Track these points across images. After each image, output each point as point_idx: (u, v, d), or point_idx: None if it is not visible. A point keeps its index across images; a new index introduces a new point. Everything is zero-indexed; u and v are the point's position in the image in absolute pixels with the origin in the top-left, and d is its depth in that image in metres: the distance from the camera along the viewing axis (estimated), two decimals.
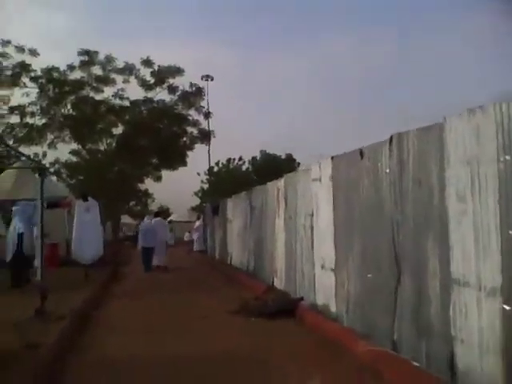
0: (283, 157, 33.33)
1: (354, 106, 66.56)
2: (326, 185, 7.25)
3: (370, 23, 72.93)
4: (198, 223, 24.60)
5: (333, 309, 6.90)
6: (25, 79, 13.09)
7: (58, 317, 6.84)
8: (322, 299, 7.42)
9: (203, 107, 14.66)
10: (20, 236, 10.01)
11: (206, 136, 14.78)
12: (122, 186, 16.68)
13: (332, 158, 7.02)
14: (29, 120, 13.42)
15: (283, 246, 9.66)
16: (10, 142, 14.05)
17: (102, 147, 16.75)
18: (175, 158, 15.83)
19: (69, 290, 9.74)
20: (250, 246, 12.87)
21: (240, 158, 41.61)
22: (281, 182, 10.00)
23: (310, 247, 8.03)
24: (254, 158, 34.44)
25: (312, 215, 7.93)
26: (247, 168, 40.43)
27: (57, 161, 26.68)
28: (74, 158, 19.54)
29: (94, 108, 14.35)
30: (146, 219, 17.70)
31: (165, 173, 20.11)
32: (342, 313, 6.56)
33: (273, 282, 10.28)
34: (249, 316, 7.81)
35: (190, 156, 20.94)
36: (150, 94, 14.49)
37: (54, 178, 30.84)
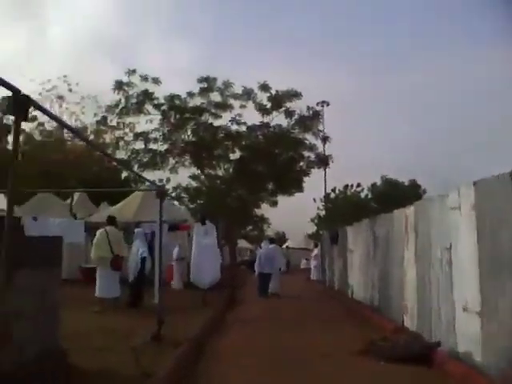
0: (406, 183, 31.36)
1: (481, 129, 61.39)
2: (467, 214, 6.24)
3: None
4: (316, 251, 24.12)
5: (477, 358, 5.80)
6: (148, 107, 13.75)
7: (174, 343, 6.56)
8: (463, 346, 6.30)
9: (320, 131, 14.13)
10: (143, 260, 10.20)
11: (323, 161, 14.17)
12: (240, 211, 16.59)
13: (474, 183, 6.01)
14: (152, 146, 13.97)
15: (414, 281, 8.57)
16: (135, 167, 14.77)
17: (219, 172, 16.91)
18: (291, 183, 15.41)
19: (186, 313, 9.61)
20: (373, 278, 11.82)
21: (358, 185, 40.16)
22: (410, 210, 8.98)
23: (448, 285, 6.96)
24: (373, 185, 32.86)
25: (450, 248, 6.89)
26: (366, 195, 38.83)
27: (178, 186, 28.00)
28: (194, 183, 20.04)
29: (212, 134, 14.57)
30: (263, 245, 17.47)
31: (281, 198, 19.79)
32: (490, 364, 5.44)
33: (402, 321, 9.17)
34: (377, 359, 6.87)
35: (307, 182, 20.39)
36: (266, 119, 14.37)
37: (176, 202, 32.50)
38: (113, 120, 14.08)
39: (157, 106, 13.65)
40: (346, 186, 41.33)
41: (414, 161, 61.84)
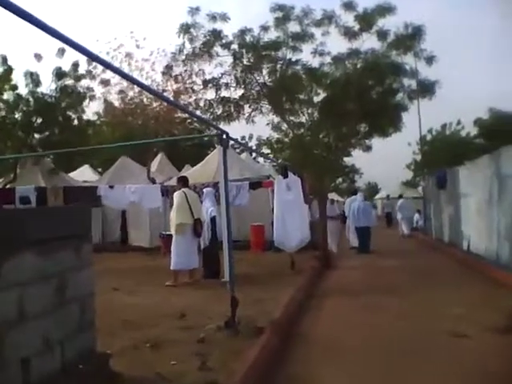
0: None
1: None
2: None
3: None
4: (400, 202, 23.53)
5: None
6: (217, 48, 11.86)
7: (254, 330, 5.07)
8: None
9: (425, 50, 11.36)
10: (213, 220, 8.76)
11: (428, 88, 11.53)
12: (329, 161, 14.58)
13: None
14: (224, 93, 12.21)
15: None
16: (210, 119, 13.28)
17: (303, 119, 14.87)
18: (388, 121, 13.01)
19: (271, 283, 8.14)
20: (500, 228, 9.51)
21: (458, 122, 36.03)
22: None
23: None
24: (479, 119, 28.81)
25: None
26: (467, 133, 34.67)
27: (259, 139, 26.23)
28: (276, 134, 18.22)
29: (292, 73, 12.52)
30: (358, 197, 15.59)
31: (375, 142, 17.32)
32: None
33: None
34: None
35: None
36: (354, 45, 11.85)
37: (261, 159, 31.00)
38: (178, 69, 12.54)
39: (226, 46, 11.79)
40: (444, 126, 37.39)
41: None
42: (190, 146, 30.95)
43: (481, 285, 8.30)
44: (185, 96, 19.31)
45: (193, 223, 8.47)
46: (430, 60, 11.51)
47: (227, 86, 12.19)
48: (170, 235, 10.03)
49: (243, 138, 38.78)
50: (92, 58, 3.18)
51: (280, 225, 8.89)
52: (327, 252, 11.67)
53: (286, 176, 9.11)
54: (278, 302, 6.48)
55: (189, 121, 22.32)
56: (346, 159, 30.03)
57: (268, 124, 13.33)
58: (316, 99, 13.67)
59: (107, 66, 3.55)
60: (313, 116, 14.47)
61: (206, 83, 12.11)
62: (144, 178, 17.94)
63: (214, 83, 12.09)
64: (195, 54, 11.85)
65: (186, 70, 11.92)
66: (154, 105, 19.18)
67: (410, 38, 11.30)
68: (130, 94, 20.25)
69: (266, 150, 27.65)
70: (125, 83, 19.64)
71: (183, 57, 11.90)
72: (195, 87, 12.38)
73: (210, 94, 12.61)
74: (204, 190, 9.72)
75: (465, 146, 32.00)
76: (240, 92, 12.31)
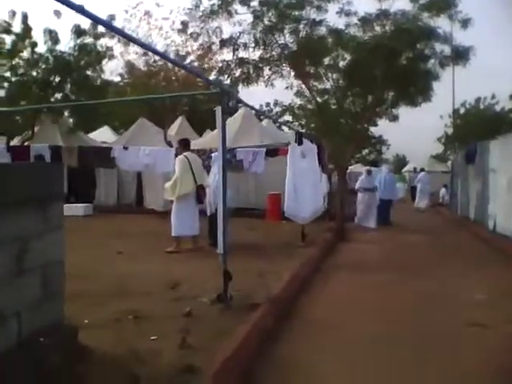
0: None
1: None
2: None
3: None
4: (420, 175, 22.97)
5: None
6: (236, 6, 11.10)
7: (248, 306, 4.66)
8: None
9: (460, 12, 10.32)
10: None
11: (462, 54, 10.57)
12: (353, 131, 13.86)
13: None
14: (242, 54, 11.49)
15: None
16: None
17: (327, 85, 14.07)
18: (418, 89, 12.13)
19: (279, 255, 7.70)
20: None
21: (493, 96, 34.29)
22: None
23: None
24: None
25: None
26: (502, 108, 33.03)
27: (281, 105, 25.35)
28: (299, 100, 17.46)
29: (318, 38, 11.71)
30: (384, 168, 14.92)
31: (402, 112, 16.41)
32: None
33: None
34: None
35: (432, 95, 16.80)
36: (384, 5, 10.90)
37: (286, 128, 30.19)
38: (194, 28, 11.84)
39: (245, 3, 11.02)
40: (479, 99, 35.69)
41: None
42: (212, 110, 30.30)
43: (505, 269, 7.68)
44: (207, 58, 18.66)
45: (195, 189, 8.02)
46: (465, 23, 10.53)
47: (246, 46, 11.48)
48: None
49: (268, 104, 37.83)
50: (98, 21, 3.06)
51: (292, 194, 8.34)
52: (343, 224, 11.09)
53: (300, 143, 8.50)
54: (281, 275, 6.04)
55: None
56: (373, 129, 29.15)
57: (287, 87, 12.57)
58: (342, 64, 12.88)
59: (112, 28, 3.09)
60: (338, 82, 13.68)
61: (223, 43, 11.40)
62: (162, 141, 17.56)
63: (232, 43, 11.39)
64: (213, 10, 11.14)
65: (202, 28, 11.19)
66: (177, 69, 18.62)
67: (444, 1, 10.33)
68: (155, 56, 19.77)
69: (288, 117, 26.81)
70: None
71: (200, 13, 11.20)
72: (213, 47, 11.63)
73: (228, 56, 11.94)
74: (212, 154, 9.21)
75: (500, 121, 30.53)
76: (259, 53, 11.59)
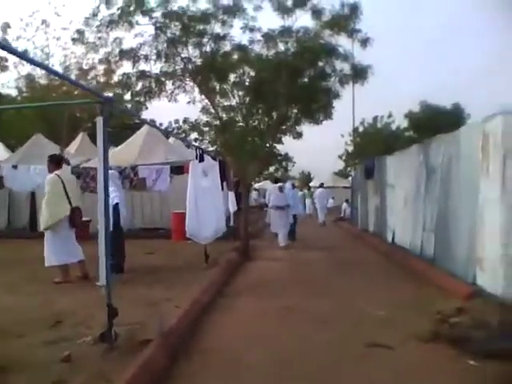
0: (448, 108, 27.68)
1: None
2: None
3: None
4: (318, 191, 23.76)
5: None
6: (138, 16, 10.58)
7: (137, 344, 4.16)
8: None
9: (359, 31, 10.58)
10: (115, 207, 7.64)
11: (360, 73, 10.89)
12: (257, 147, 13.78)
13: None
14: (143, 66, 10.95)
15: (499, 225, 5.90)
16: (127, 96, 12.03)
17: (233, 102, 13.91)
18: (319, 107, 12.37)
19: (179, 280, 7.25)
20: (425, 220, 9.15)
21: (390, 115, 36.63)
22: (493, 125, 6.15)
23: None
24: (410, 112, 29.28)
25: None
26: (398, 126, 35.40)
27: (187, 121, 24.95)
28: (204, 117, 17.12)
29: (225, 53, 11.52)
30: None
31: (306, 129, 16.68)
32: None
33: (474, 279, 6.61)
34: (462, 352, 4.33)
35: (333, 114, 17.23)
36: (287, 22, 10.95)
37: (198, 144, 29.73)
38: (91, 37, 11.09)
39: (147, 13, 10.51)
40: (376, 118, 37.95)
41: (455, 90, 56.72)
42: (117, 128, 29.18)
43: (406, 282, 7.81)
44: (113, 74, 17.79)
45: (69, 213, 7.13)
46: (364, 42, 10.86)
47: (147, 58, 10.95)
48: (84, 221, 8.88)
49: (177, 121, 37.17)
50: None
51: (193, 213, 7.93)
52: (247, 242, 10.85)
53: (201, 159, 8.14)
54: (180, 303, 5.59)
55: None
56: (279, 147, 29.65)
57: (190, 102, 12.21)
58: (247, 81, 12.81)
59: None
60: (243, 99, 13.60)
61: (122, 54, 10.78)
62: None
63: (132, 55, 10.81)
64: (112, 20, 10.51)
65: (100, 38, 10.49)
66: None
67: (346, 18, 10.60)
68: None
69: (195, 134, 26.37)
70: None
71: (97, 22, 10.51)
72: (111, 59, 10.94)
73: (128, 69, 11.31)
74: (110, 172, 8.53)
75: (395, 138, 32.58)
76: (161, 67, 11.13)
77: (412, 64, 75.85)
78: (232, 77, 12.83)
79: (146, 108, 30.71)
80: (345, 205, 24.70)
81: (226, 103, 13.87)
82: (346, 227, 19.74)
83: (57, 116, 21.70)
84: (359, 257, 11.16)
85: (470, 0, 63.19)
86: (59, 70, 22.26)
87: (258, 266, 9.65)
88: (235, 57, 12.04)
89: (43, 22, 18.04)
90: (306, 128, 16.01)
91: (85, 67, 22.04)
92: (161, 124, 36.06)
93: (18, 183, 13.22)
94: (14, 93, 25.02)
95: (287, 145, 32.87)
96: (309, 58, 10.73)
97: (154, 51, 10.97)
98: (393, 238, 11.84)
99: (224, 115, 14.73)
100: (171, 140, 20.79)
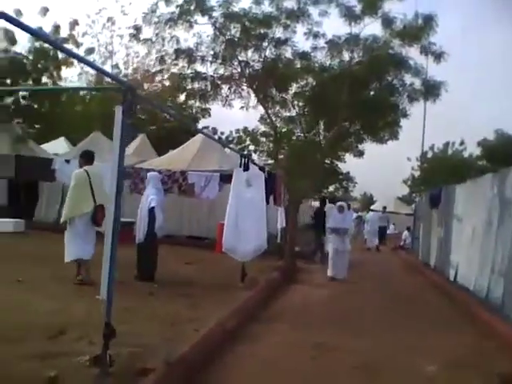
0: None
1: None
2: None
3: None
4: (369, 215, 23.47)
5: None
6: (197, 16, 10.23)
7: (135, 373, 3.55)
8: None
9: (434, 44, 9.63)
10: (151, 211, 7.16)
11: (432, 90, 9.90)
12: (315, 163, 13.08)
13: None
14: (199, 67, 10.59)
15: None
16: (182, 98, 11.75)
17: (293, 112, 13.35)
18: (384, 125, 11.46)
19: (209, 297, 6.62)
20: (495, 260, 7.98)
21: (462, 142, 34.54)
22: None
23: None
24: (485, 140, 27.33)
25: None
26: (470, 154, 33.26)
27: (245, 131, 24.51)
28: (262, 127, 16.67)
29: (283, 60, 10.94)
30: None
31: (370, 152, 15.85)
32: None
33: None
34: None
35: (401, 133, 16.21)
36: (354, 29, 10.19)
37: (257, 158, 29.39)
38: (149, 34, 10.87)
39: (207, 13, 10.14)
40: (447, 144, 35.90)
41: None
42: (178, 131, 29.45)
43: (466, 330, 6.73)
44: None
45: (93, 211, 6.74)
46: (438, 57, 9.86)
47: (203, 59, 10.57)
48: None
49: (238, 130, 36.89)
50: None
51: (232, 227, 7.29)
52: (293, 263, 10.05)
53: (246, 168, 7.51)
54: (201, 325, 4.94)
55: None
56: (341, 166, 28.60)
57: (243, 107, 11.70)
58: (308, 91, 12.17)
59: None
60: (304, 110, 12.96)
61: (178, 53, 10.45)
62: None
63: (189, 54, 10.46)
64: (172, 18, 10.24)
65: (157, 35, 10.24)
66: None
67: (420, 30, 9.69)
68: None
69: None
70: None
71: (156, 19, 10.27)
72: (166, 58, 10.64)
73: (181, 70, 10.98)
74: (148, 174, 8.11)
75: (466, 166, 30.55)
76: (217, 69, 10.71)
77: (488, 86, 71.78)
78: (294, 87, 12.28)
79: (209, 115, 30.79)
80: (406, 233, 23.18)
81: (285, 114, 13.32)
82: (405, 257, 18.39)
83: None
84: (415, 294, 10.02)
85: None
86: (122, 68, 22.73)
87: (301, 290, 8.83)
88: (297, 65, 11.46)
89: (109, 19, 18.31)
90: (369, 147, 15.14)
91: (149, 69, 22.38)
92: (222, 133, 36.01)
93: (68, 177, 13.22)
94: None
95: (350, 164, 31.76)
96: (375, 68, 9.90)
97: (211, 52, 10.57)
98: (455, 276, 10.62)
99: (282, 126, 14.18)
100: (227, 150, 20.49)
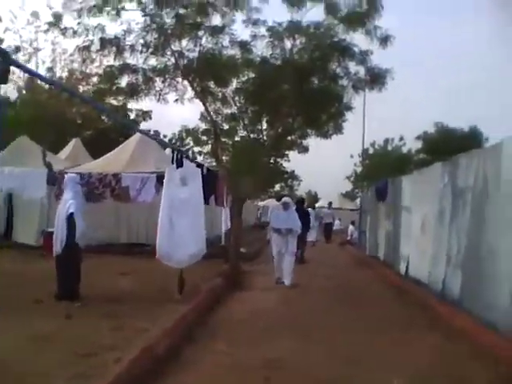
0: (466, 130, 26.14)
1: None
2: None
3: None
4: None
5: None
6: (125, 2, 9.25)
7: None
8: None
9: (379, 28, 9.08)
10: (70, 218, 6.18)
11: (377, 78, 9.42)
12: (258, 161, 12.39)
13: None
14: (129, 59, 9.55)
15: None
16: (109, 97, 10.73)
17: (234, 109, 12.60)
18: (329, 117, 10.92)
19: (141, 314, 5.73)
20: (450, 252, 7.59)
21: (401, 138, 35.28)
22: None
23: None
24: (425, 133, 27.75)
25: None
26: (409, 150, 34.00)
27: (186, 130, 23.56)
28: (204, 125, 15.82)
29: (220, 49, 10.15)
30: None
31: (314, 149, 15.39)
32: None
33: None
34: None
35: (341, 135, 15.82)
36: (296, 16, 9.52)
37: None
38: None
39: None
40: (387, 140, 36.55)
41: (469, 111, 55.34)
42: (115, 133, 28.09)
43: (426, 330, 6.19)
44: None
45: None
46: (384, 40, 9.32)
47: (133, 49, 9.55)
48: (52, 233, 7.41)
49: (180, 132, 35.46)
50: None
51: (166, 231, 6.43)
52: (238, 267, 9.27)
53: (180, 165, 6.65)
54: (125, 353, 4.06)
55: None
56: (285, 164, 28.19)
57: (177, 100, 10.78)
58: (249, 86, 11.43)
59: None
60: (245, 107, 12.22)
61: (104, 42, 9.39)
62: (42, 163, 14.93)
63: (116, 44, 9.43)
64: (96, 5, 9.16)
65: (79, 23, 9.15)
66: None
67: (364, 15, 9.12)
68: None
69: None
70: None
71: (78, 6, 9.17)
72: (92, 48, 9.54)
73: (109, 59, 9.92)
74: (66, 176, 7.09)
75: (406, 161, 31.12)
76: (148, 58, 9.72)
77: (428, 83, 74.43)
78: (235, 82, 11.55)
79: (150, 118, 29.55)
80: (351, 227, 23.01)
81: (226, 111, 12.53)
82: (353, 252, 18.09)
83: (57, 121, 20.71)
84: (368, 291, 9.51)
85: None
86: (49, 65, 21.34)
87: (246, 297, 8.02)
88: (237, 57, 10.69)
89: (33, 14, 16.87)
90: (313, 144, 14.64)
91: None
92: (165, 135, 34.68)
93: None
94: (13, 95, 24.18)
95: (294, 162, 31.48)
96: (318, 56, 9.31)
97: (141, 41, 9.58)
98: (406, 270, 10.26)
99: (224, 123, 13.40)
100: (167, 151, 19.47)
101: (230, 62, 10.66)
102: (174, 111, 67.18)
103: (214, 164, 17.80)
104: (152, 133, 34.00)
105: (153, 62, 10.06)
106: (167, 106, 11.31)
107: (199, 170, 7.25)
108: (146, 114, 31.13)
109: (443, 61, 69.26)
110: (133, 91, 10.24)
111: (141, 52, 9.53)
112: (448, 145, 23.05)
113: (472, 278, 6.60)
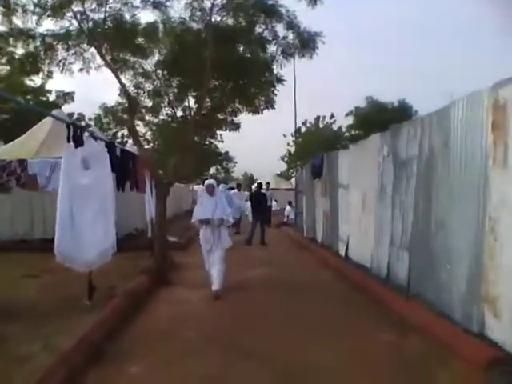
0: (396, 104, 26.30)
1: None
2: None
3: None
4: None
5: None
6: None
7: None
8: None
9: None
10: None
11: (307, 43, 8.60)
12: (185, 140, 11.25)
13: None
14: (17, 21, 8.09)
15: None
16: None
17: (157, 84, 11.46)
18: (260, 90, 10.01)
19: (46, 329, 4.61)
20: (394, 232, 7.00)
21: (332, 116, 35.30)
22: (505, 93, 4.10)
23: None
24: (357, 108, 27.72)
25: None
26: (339, 127, 34.13)
27: (105, 108, 21.85)
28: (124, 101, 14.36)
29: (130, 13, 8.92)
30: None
31: (248, 129, 14.44)
32: None
33: (481, 329, 4.46)
34: None
35: (274, 115, 15.07)
36: None
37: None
38: None
39: None
40: (318, 118, 36.46)
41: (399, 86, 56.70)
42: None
43: (378, 323, 5.49)
44: None
45: None
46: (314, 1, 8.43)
47: (25, 9, 8.05)
48: None
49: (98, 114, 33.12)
50: None
51: (66, 227, 5.23)
52: (164, 262, 8.17)
53: (79, 143, 5.42)
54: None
55: None
56: (219, 146, 27.13)
57: (82, 69, 9.40)
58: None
59: None
60: (169, 81, 11.06)
61: None
62: None
63: (3, 4, 7.90)
64: None
65: None
66: None
67: None
68: None
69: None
70: None
71: None
72: None
73: None
74: None
75: (337, 137, 31.18)
76: (42, 19, 8.26)
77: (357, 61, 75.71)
78: (157, 55, 10.41)
79: (72, 100, 27.20)
80: (288, 208, 22.41)
81: (148, 85, 11.32)
82: (290, 234, 17.43)
83: None
84: (307, 277, 8.74)
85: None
86: None
87: (174, 297, 6.92)
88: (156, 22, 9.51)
89: None
90: (245, 124, 13.72)
91: None
92: (90, 119, 32.44)
93: None
94: None
95: (228, 143, 30.61)
96: (242, 17, 8.32)
97: (35, 0, 8.10)
98: (346, 252, 9.69)
99: (147, 100, 12.19)
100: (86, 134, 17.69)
101: (149, 28, 9.52)
102: (101, 93, 63.65)
103: (147, 147, 16.49)
104: (76, 116, 31.65)
105: (50, 25, 8.61)
106: (93, 88, 9.93)
107: (105, 149, 6.01)
108: (67, 96, 28.81)
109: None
110: (32, 62, 8.77)
111: (33, 13, 8.04)
112: (379, 118, 23.03)
113: (421, 261, 6.01)
